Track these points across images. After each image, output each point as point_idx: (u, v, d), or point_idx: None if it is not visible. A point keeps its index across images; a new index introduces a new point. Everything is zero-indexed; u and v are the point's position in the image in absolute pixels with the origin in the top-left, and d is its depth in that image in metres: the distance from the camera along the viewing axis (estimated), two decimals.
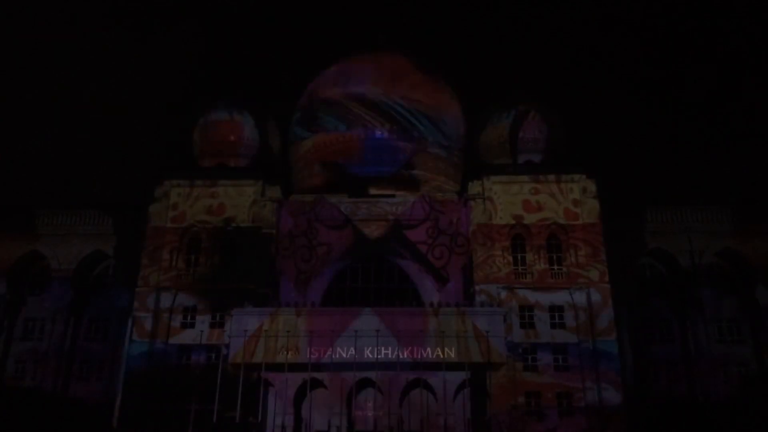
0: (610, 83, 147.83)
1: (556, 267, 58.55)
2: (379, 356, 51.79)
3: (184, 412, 52.23)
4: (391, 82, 72.57)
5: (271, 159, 69.57)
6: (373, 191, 67.92)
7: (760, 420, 48.86)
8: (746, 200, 66.81)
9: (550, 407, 54.28)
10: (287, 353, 52.40)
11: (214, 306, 57.94)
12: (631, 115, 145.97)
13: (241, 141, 67.35)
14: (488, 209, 60.17)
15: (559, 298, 57.32)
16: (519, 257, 58.97)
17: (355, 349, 52.34)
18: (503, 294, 57.17)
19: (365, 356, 52.22)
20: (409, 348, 52.75)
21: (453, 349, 52.68)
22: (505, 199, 60.36)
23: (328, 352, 52.55)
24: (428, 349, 52.84)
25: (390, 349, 52.58)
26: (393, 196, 64.84)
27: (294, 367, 52.44)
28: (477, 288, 57.48)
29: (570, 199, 60.28)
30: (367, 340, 52.28)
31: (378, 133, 71.16)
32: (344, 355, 52.55)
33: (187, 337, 57.15)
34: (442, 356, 52.54)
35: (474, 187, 61.55)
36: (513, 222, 59.55)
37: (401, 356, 52.19)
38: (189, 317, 58.00)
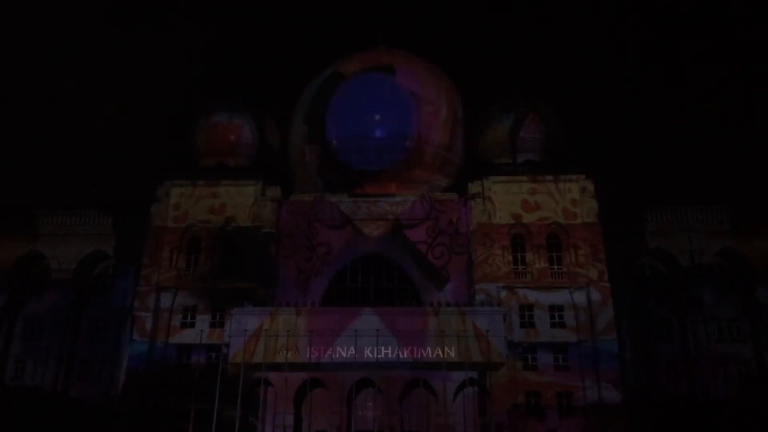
0: (610, 83, 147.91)
1: (555, 266, 58.60)
2: (379, 356, 51.77)
3: (184, 412, 52.27)
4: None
5: (271, 159, 69.57)
6: (373, 190, 67.89)
7: (761, 419, 48.87)
8: (746, 200, 66.86)
9: (550, 406, 54.30)
10: (287, 353, 52.38)
11: (214, 305, 58.00)
12: (631, 115, 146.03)
13: (241, 141, 67.47)
14: (488, 209, 60.22)
15: (559, 297, 57.36)
16: (519, 257, 59.03)
17: (355, 348, 52.32)
18: (503, 293, 57.21)
19: (365, 356, 52.19)
20: (409, 348, 52.74)
21: (453, 348, 52.66)
22: (504, 199, 60.45)
23: (328, 352, 52.54)
24: (428, 349, 52.83)
25: (390, 348, 52.56)
26: (393, 195, 64.87)
27: (294, 367, 52.43)
28: (477, 287, 57.54)
29: (568, 199, 60.35)
30: (367, 339, 52.26)
31: (378, 132, 71.11)
32: (344, 355, 52.54)
33: (188, 336, 57.18)
34: (442, 356, 52.52)
35: (474, 187, 61.60)
36: (512, 221, 59.64)
37: (401, 356, 52.19)
38: (189, 317, 58.07)
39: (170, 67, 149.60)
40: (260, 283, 58.59)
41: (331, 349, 52.60)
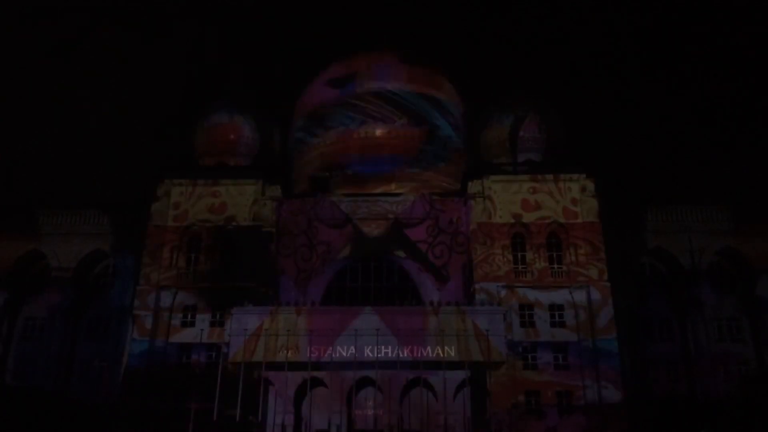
0: (610, 83, 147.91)
1: (556, 266, 58.63)
2: (379, 355, 51.81)
3: (185, 411, 52.24)
4: (393, 75, 72.60)
5: (272, 158, 69.59)
6: (373, 190, 68.00)
7: (760, 418, 48.86)
8: (746, 200, 66.83)
9: (550, 406, 54.33)
10: (287, 352, 52.41)
11: (214, 305, 58.04)
12: (632, 114, 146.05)
13: (241, 140, 67.43)
14: (488, 208, 60.22)
15: (559, 296, 57.41)
16: (519, 256, 59.06)
17: (355, 347, 52.36)
18: (503, 292, 57.24)
19: (365, 355, 52.25)
20: (409, 347, 52.80)
21: (453, 347, 52.72)
22: (504, 198, 60.48)
23: (328, 351, 52.60)
24: (428, 348, 52.89)
25: (390, 347, 52.63)
26: (396, 194, 64.96)
27: (294, 366, 52.43)
28: (477, 286, 57.56)
29: (568, 198, 60.39)
30: (367, 338, 52.30)
31: (378, 131, 71.20)
32: (344, 354, 52.59)
33: (188, 335, 57.23)
34: (442, 355, 52.59)
35: (474, 187, 61.59)
36: (512, 221, 59.66)
37: (401, 355, 52.22)
38: (189, 316, 58.14)
39: (170, 67, 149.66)
40: (260, 282, 58.62)
41: (331, 348, 52.66)
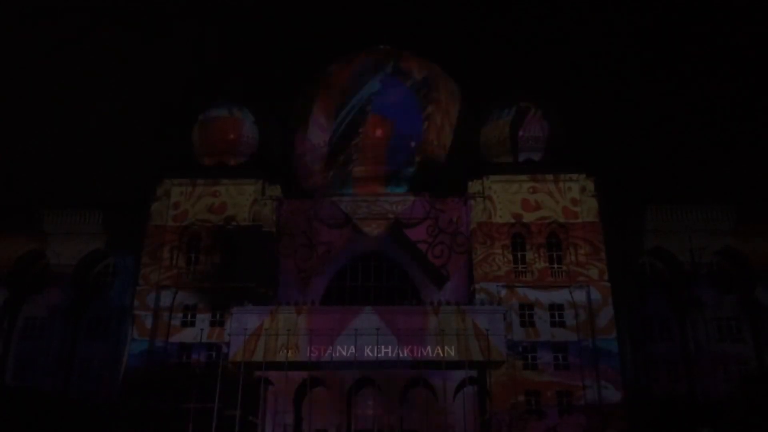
0: (610, 82, 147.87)
1: (556, 265, 58.62)
2: (379, 355, 51.81)
3: (184, 411, 52.30)
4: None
5: (272, 158, 69.57)
6: (373, 189, 67.91)
7: (760, 418, 48.86)
8: (746, 199, 66.82)
9: (550, 406, 54.30)
10: (287, 352, 52.39)
11: (214, 304, 58.02)
12: (632, 114, 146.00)
13: (241, 139, 67.33)
14: (488, 208, 60.22)
15: (559, 296, 57.39)
16: (519, 256, 59.06)
17: (355, 347, 52.32)
18: (503, 292, 57.22)
19: (365, 355, 52.22)
20: (409, 346, 52.74)
21: (453, 347, 52.68)
22: (504, 198, 60.46)
23: (328, 351, 52.55)
24: (428, 348, 52.83)
25: (390, 347, 52.58)
26: (396, 194, 65.01)
27: (294, 366, 52.43)
28: (477, 286, 57.55)
29: (569, 198, 60.38)
30: (367, 338, 52.28)
31: (378, 131, 71.12)
32: (344, 354, 52.53)
33: (188, 335, 57.21)
34: (442, 355, 52.54)
35: (474, 186, 61.59)
36: (512, 221, 59.64)
37: (401, 355, 52.20)
38: (189, 316, 58.09)
39: (170, 67, 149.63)
40: (260, 282, 58.62)
41: (331, 348, 52.61)
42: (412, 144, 70.23)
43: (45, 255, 66.02)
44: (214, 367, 53.25)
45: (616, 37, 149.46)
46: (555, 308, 57.23)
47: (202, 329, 56.16)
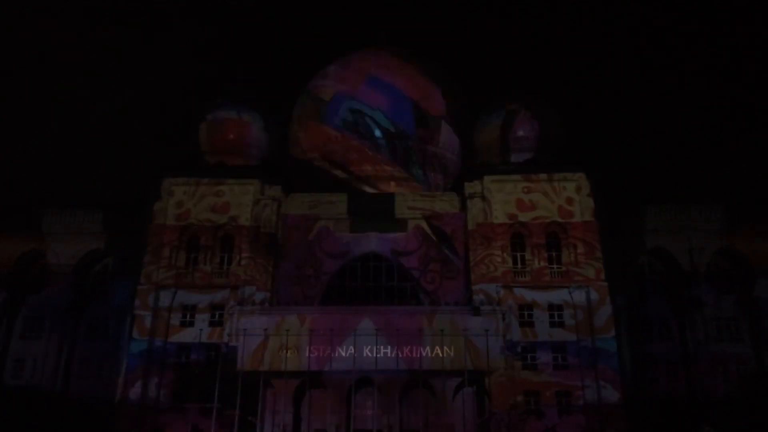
0: (607, 81, 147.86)
1: (554, 266, 58.57)
2: (378, 355, 51.82)
3: (184, 411, 52.33)
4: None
5: (273, 158, 69.57)
6: (373, 190, 68.12)
7: (759, 418, 48.92)
8: (745, 199, 66.80)
9: (549, 406, 54.29)
10: (287, 352, 52.41)
11: (214, 304, 57.99)
12: (630, 113, 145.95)
13: (242, 139, 67.28)
14: (485, 209, 60.18)
15: (558, 296, 57.33)
16: (517, 256, 59.02)
17: (355, 348, 52.37)
18: (501, 293, 57.17)
19: (364, 355, 52.24)
20: (409, 347, 52.76)
21: (452, 348, 52.69)
22: (500, 198, 60.39)
23: (328, 351, 52.58)
24: (427, 348, 52.84)
25: (389, 348, 52.63)
26: (392, 194, 65.00)
27: (294, 366, 52.38)
28: (475, 287, 57.53)
29: (564, 197, 60.28)
30: (366, 339, 52.35)
31: (378, 131, 71.31)
32: (344, 354, 52.55)
33: (187, 335, 57.17)
34: (441, 355, 52.54)
35: (471, 187, 61.56)
36: (509, 221, 59.56)
37: (400, 355, 52.20)
38: (189, 316, 58.06)
39: (172, 66, 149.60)
40: (259, 282, 58.62)
41: (330, 348, 52.64)
42: (411, 144, 70.50)
43: (45, 255, 66.08)
44: (214, 367, 53.23)
45: (616, 37, 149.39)
46: (553, 308, 57.18)
47: (201, 329, 56.18)
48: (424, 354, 52.45)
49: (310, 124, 74.93)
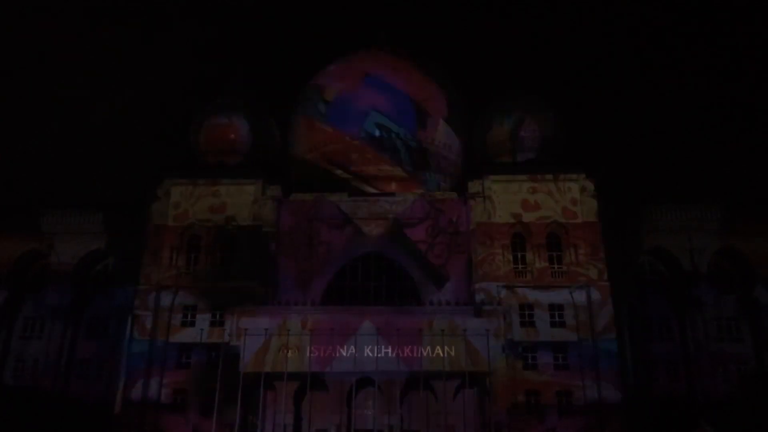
0: (609, 82, 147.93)
1: (556, 266, 58.57)
2: (379, 355, 51.78)
3: (184, 411, 52.28)
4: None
5: (272, 157, 69.59)
6: (373, 190, 68.08)
7: (760, 418, 48.88)
8: (746, 199, 66.80)
9: (550, 406, 54.26)
10: (287, 352, 52.37)
11: (214, 305, 57.95)
12: (632, 113, 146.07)
13: (241, 139, 67.35)
14: (488, 208, 60.21)
15: (559, 296, 57.30)
16: (519, 256, 59.02)
17: (356, 348, 52.34)
18: (503, 293, 57.15)
19: (365, 355, 52.20)
20: (409, 347, 52.71)
21: (453, 348, 52.65)
22: (504, 198, 60.43)
23: (329, 351, 52.54)
24: (428, 348, 52.80)
25: (390, 348, 52.56)
26: (393, 194, 65.00)
27: (295, 366, 52.35)
28: (477, 287, 57.54)
29: (568, 198, 60.34)
30: (367, 339, 52.29)
31: (378, 131, 71.25)
32: (344, 354, 52.51)
33: (188, 335, 57.14)
34: (441, 355, 52.49)
35: (474, 186, 61.58)
36: (512, 221, 59.61)
37: (401, 355, 52.16)
38: (189, 316, 58.02)
39: (170, 67, 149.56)
40: (260, 282, 58.63)
41: (331, 348, 52.61)
42: (412, 144, 70.49)
43: (45, 255, 66.03)
44: (214, 367, 53.18)
45: (616, 37, 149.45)
46: (555, 308, 57.14)
47: (202, 329, 56.14)
48: (424, 354, 52.41)
49: (310, 124, 74.76)
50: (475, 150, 69.89)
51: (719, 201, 65.40)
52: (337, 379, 54.43)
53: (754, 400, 52.40)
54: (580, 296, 56.99)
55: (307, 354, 52.15)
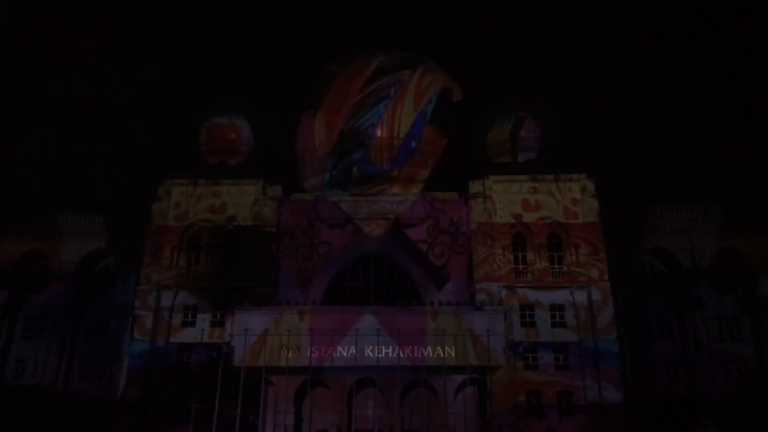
0: (610, 82, 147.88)
1: (556, 266, 58.63)
2: (379, 355, 51.80)
3: (185, 411, 52.32)
4: None
5: (272, 157, 69.51)
6: (373, 189, 67.93)
7: (760, 418, 48.94)
8: (746, 199, 66.78)
9: (551, 406, 54.33)
10: (288, 352, 52.38)
11: (214, 304, 58.02)
12: (632, 113, 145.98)
13: (242, 139, 67.36)
14: (488, 208, 60.24)
15: (560, 296, 57.37)
16: (519, 256, 59.06)
17: (356, 348, 52.33)
18: (504, 293, 57.20)
19: (366, 355, 52.23)
20: (410, 347, 52.75)
21: (453, 348, 52.68)
22: (504, 198, 60.48)
23: (329, 351, 52.55)
24: (428, 348, 52.82)
25: (390, 348, 52.60)
26: (394, 194, 64.97)
27: (296, 371, 52.34)
28: (477, 287, 57.56)
29: (569, 198, 60.39)
30: (367, 339, 52.28)
31: (378, 131, 71.13)
32: (345, 354, 52.53)
33: (188, 335, 57.21)
34: (442, 355, 52.52)
35: (474, 186, 61.60)
36: (513, 221, 59.65)
37: (401, 355, 52.19)
38: (190, 316, 58.09)
39: (171, 67, 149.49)
40: (261, 282, 58.62)
41: (331, 348, 52.62)
42: (413, 144, 70.30)
43: (45, 255, 66.03)
44: (215, 367, 53.19)
45: (616, 37, 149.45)
46: (555, 308, 57.22)
47: (202, 329, 56.20)
48: (425, 354, 52.42)
49: (311, 124, 74.67)
50: (476, 150, 69.78)
51: (719, 201, 65.41)
52: (337, 379, 54.43)
53: (755, 400, 52.48)
54: (580, 296, 57.05)
55: (308, 354, 52.11)
